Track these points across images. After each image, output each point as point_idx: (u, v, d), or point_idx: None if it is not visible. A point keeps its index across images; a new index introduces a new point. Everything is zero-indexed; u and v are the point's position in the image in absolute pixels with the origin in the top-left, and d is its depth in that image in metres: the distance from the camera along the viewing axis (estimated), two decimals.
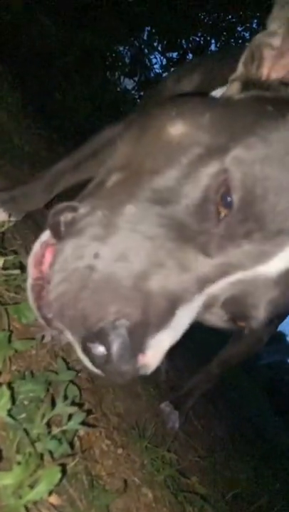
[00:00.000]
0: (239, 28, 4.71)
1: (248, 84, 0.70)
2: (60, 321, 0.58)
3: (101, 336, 0.54)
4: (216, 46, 4.63)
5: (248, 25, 4.61)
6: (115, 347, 0.54)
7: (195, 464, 1.68)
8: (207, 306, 0.62)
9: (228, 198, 0.59)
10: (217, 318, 0.68)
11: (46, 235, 0.65)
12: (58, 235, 0.63)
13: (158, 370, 0.61)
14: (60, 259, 0.59)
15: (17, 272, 0.97)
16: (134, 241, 0.58)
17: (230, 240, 0.60)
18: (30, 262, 0.64)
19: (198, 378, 1.79)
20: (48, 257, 0.63)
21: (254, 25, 4.56)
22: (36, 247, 0.65)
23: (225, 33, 4.71)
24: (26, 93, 2.98)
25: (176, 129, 0.65)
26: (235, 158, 0.59)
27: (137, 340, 0.55)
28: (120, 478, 1.03)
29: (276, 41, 0.66)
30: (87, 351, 0.56)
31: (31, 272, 0.64)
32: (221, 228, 0.60)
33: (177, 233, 0.59)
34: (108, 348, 0.54)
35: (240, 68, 0.72)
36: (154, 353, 0.57)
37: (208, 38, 4.55)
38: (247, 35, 4.61)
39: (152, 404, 1.64)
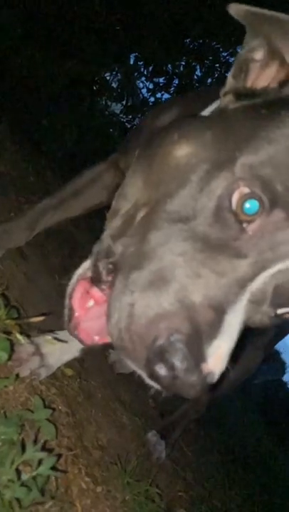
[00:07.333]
0: (224, 53, 4.83)
1: (238, 94, 0.75)
2: (126, 356, 0.62)
3: (160, 355, 0.57)
4: (200, 71, 4.73)
5: (232, 50, 4.73)
6: (177, 361, 0.57)
7: (183, 495, 1.64)
8: (256, 302, 0.64)
9: (248, 204, 0.61)
10: (265, 317, 0.69)
11: (83, 269, 0.73)
12: (99, 278, 0.71)
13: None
14: (111, 306, 0.64)
15: None
16: (165, 262, 0.61)
17: (261, 238, 0.61)
18: (72, 296, 0.72)
19: (185, 407, 1.77)
20: (82, 292, 0.72)
21: (238, 50, 4.66)
22: (74, 282, 0.73)
23: (210, 58, 4.83)
24: (14, 120, 3.01)
25: (181, 151, 0.69)
26: (245, 166, 0.62)
27: (195, 351, 0.57)
28: None
29: (259, 55, 0.72)
30: (154, 376, 0.59)
31: (75, 307, 0.72)
32: (249, 231, 0.62)
33: (203, 244, 0.62)
34: (171, 365, 0.57)
35: (229, 81, 0.76)
36: (216, 359, 0.59)
37: (194, 64, 4.66)
38: (232, 60, 4.72)
39: (138, 435, 1.61)
